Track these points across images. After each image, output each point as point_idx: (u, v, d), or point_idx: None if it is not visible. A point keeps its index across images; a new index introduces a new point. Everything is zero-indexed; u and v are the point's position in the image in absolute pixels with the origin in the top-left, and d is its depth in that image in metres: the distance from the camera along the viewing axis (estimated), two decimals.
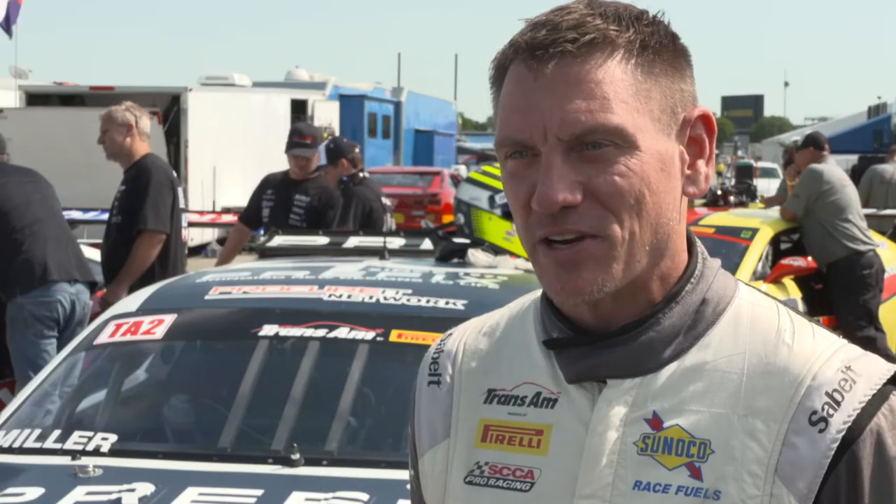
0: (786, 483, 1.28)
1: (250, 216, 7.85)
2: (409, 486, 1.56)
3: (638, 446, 1.32)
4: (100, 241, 7.15)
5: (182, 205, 7.02)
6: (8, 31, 11.96)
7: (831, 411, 1.29)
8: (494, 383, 1.43)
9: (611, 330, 1.35)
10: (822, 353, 1.33)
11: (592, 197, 1.29)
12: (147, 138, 6.94)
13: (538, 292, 1.45)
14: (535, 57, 1.30)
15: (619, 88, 1.29)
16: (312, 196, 7.57)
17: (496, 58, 1.36)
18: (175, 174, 7.07)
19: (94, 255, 7.24)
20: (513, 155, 1.33)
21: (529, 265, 4.90)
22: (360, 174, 8.60)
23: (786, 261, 8.66)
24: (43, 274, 6.25)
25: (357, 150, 8.83)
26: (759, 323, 1.36)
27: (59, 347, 6.22)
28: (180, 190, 7.01)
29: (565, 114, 1.28)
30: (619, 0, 1.34)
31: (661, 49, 1.33)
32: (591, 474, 1.32)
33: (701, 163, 1.37)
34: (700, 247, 1.40)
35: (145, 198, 6.68)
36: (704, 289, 1.37)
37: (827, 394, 1.30)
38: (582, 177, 1.29)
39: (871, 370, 1.32)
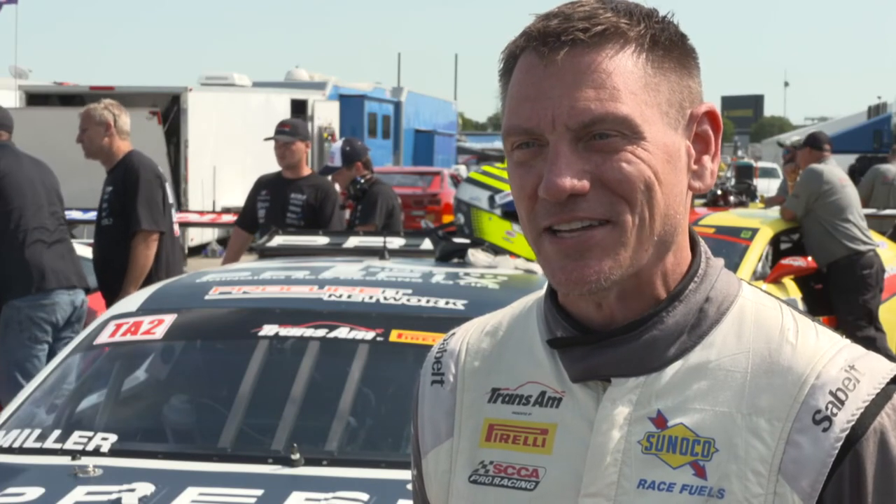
0: (789, 482, 1.28)
1: (247, 219, 7.82)
2: (409, 486, 1.56)
3: (642, 445, 1.32)
4: None
5: (171, 200, 6.93)
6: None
7: (835, 410, 1.29)
8: (498, 382, 1.43)
9: (614, 328, 1.35)
10: (825, 352, 1.33)
11: (601, 185, 1.30)
12: (127, 136, 6.80)
13: (541, 292, 1.45)
14: (546, 44, 1.31)
15: (629, 80, 1.30)
16: (308, 194, 7.55)
17: (507, 47, 1.36)
18: (160, 169, 7.00)
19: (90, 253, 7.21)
20: (520, 145, 1.33)
21: (529, 265, 4.94)
22: (375, 176, 8.61)
23: (786, 261, 8.66)
24: (42, 280, 6.24)
25: (369, 152, 8.86)
26: (762, 322, 1.36)
27: (50, 351, 6.22)
28: (168, 185, 6.94)
29: (575, 101, 1.29)
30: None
31: (671, 46, 1.34)
32: (595, 473, 1.33)
33: (706, 158, 1.37)
34: (703, 246, 1.41)
35: (136, 197, 6.58)
36: (708, 287, 1.37)
37: (831, 392, 1.30)
38: (589, 165, 1.29)
39: (874, 369, 1.32)
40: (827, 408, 1.29)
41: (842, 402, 1.29)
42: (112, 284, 6.62)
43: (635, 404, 1.33)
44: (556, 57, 1.30)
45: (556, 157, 1.29)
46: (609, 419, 1.33)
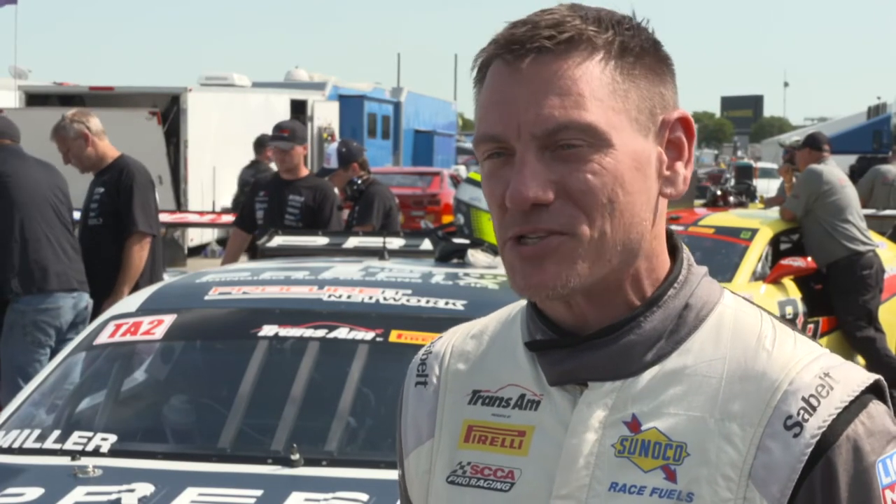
0: (759, 487, 1.28)
1: (245, 220, 7.82)
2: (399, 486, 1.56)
3: (616, 448, 1.32)
4: None
5: (158, 205, 6.99)
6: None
7: (807, 416, 1.28)
8: (479, 384, 1.43)
9: (591, 332, 1.35)
10: (800, 359, 1.32)
11: (565, 195, 1.29)
12: (105, 135, 6.81)
13: None
14: (512, 52, 1.31)
15: (596, 86, 1.30)
16: (306, 195, 7.55)
17: (478, 56, 1.37)
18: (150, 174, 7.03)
19: None
20: (490, 156, 1.33)
21: None
22: (371, 176, 8.62)
23: (786, 261, 8.65)
24: (43, 280, 6.24)
25: (366, 153, 8.86)
26: (741, 329, 1.35)
27: (53, 354, 6.22)
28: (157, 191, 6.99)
29: (540, 109, 1.29)
30: (603, 7, 1.35)
31: (643, 53, 1.33)
32: (567, 475, 1.33)
33: (679, 164, 1.37)
34: (686, 252, 1.40)
35: (132, 199, 6.62)
36: (688, 294, 1.37)
37: (803, 398, 1.29)
38: (555, 175, 1.29)
39: (849, 377, 1.31)
40: (798, 413, 1.28)
41: (814, 409, 1.28)
42: (91, 283, 6.58)
43: (611, 408, 1.33)
44: (521, 65, 1.30)
45: (522, 166, 1.29)
46: (584, 422, 1.33)
